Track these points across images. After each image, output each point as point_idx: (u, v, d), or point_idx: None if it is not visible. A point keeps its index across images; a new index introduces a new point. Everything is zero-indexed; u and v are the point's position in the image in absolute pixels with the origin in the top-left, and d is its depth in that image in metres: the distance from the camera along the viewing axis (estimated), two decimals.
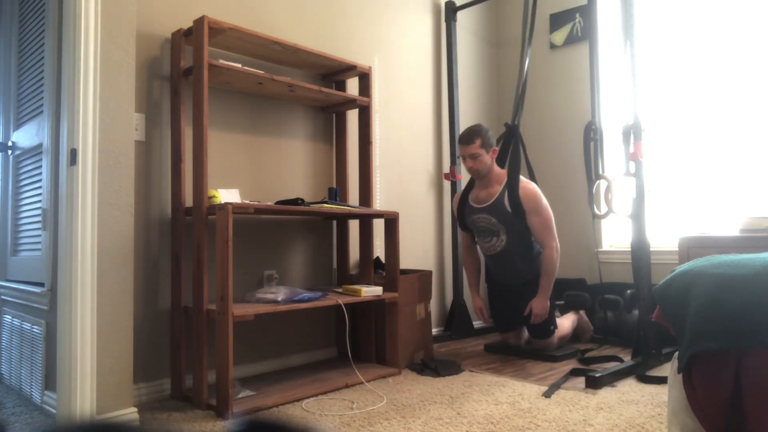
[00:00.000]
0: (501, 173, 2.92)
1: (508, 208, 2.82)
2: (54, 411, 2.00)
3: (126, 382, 1.97)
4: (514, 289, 2.99)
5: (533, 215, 2.81)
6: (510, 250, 2.90)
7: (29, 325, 2.33)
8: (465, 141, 2.83)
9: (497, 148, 2.91)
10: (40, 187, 2.28)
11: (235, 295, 2.56)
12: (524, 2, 3.12)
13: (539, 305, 2.84)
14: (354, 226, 3.07)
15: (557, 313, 3.29)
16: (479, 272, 3.20)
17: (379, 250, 3.20)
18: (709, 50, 3.27)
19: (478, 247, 3.12)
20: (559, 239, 3.82)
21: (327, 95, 2.72)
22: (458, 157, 3.02)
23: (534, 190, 2.83)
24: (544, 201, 2.85)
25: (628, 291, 3.25)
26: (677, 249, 2.80)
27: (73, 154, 1.88)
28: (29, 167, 2.40)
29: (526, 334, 3.08)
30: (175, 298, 2.33)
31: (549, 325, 2.90)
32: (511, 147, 2.97)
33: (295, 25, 2.90)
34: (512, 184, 2.80)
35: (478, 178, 2.92)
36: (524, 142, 3.09)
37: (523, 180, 2.86)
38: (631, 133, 2.72)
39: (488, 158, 2.84)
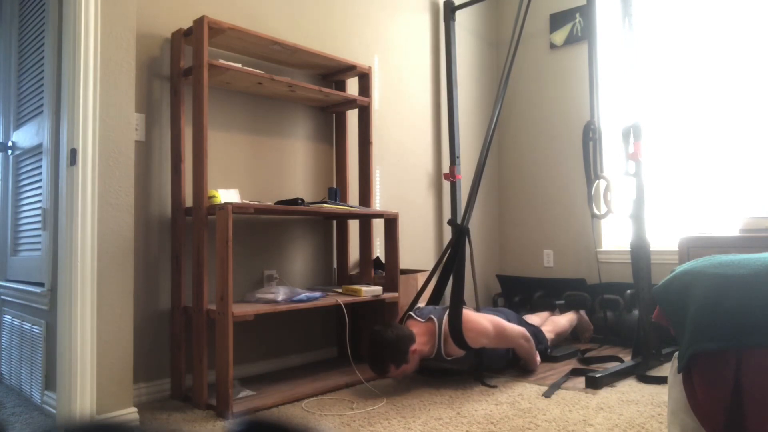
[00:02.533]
0: (427, 332, 2.47)
1: (456, 352, 2.45)
2: (54, 411, 2.00)
3: (126, 382, 1.97)
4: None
5: (488, 344, 2.49)
6: (476, 366, 2.59)
7: (29, 325, 2.33)
8: (379, 372, 2.37)
9: (415, 346, 2.39)
10: (40, 187, 2.28)
11: (235, 295, 2.56)
12: (500, 81, 3.08)
13: (531, 366, 2.69)
14: (354, 226, 3.07)
15: (557, 313, 3.29)
16: None
17: (379, 250, 3.20)
18: (708, 50, 3.27)
19: None
20: (558, 239, 3.85)
21: (327, 95, 2.72)
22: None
23: (475, 329, 2.43)
24: (486, 325, 2.47)
25: (628, 291, 3.25)
26: (677, 249, 2.80)
27: (73, 154, 1.88)
28: (29, 167, 2.40)
29: None
30: (175, 298, 2.33)
31: (544, 354, 2.84)
32: (457, 255, 2.55)
33: (295, 25, 2.90)
34: (457, 332, 2.40)
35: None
36: (471, 241, 2.64)
37: (464, 321, 2.43)
38: (631, 133, 2.72)
39: (412, 362, 2.39)
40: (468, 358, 2.50)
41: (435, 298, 2.73)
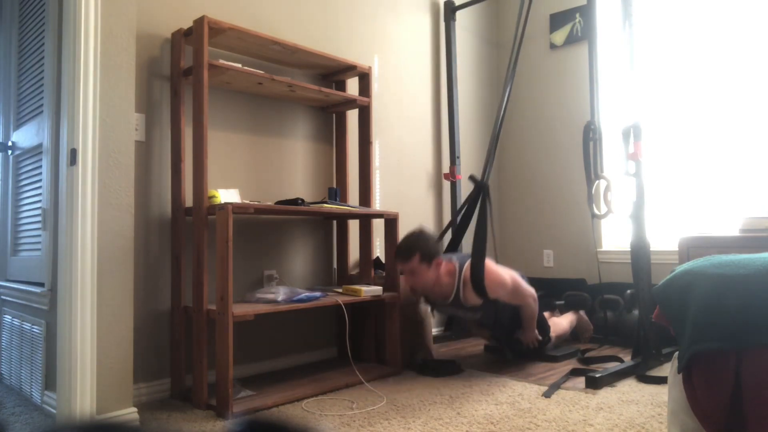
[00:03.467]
0: (448, 270, 2.59)
1: (473, 299, 2.56)
2: (54, 411, 2.00)
3: (126, 382, 1.97)
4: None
5: (503, 297, 2.58)
6: (487, 319, 2.73)
7: (29, 325, 2.33)
8: (402, 256, 2.48)
9: (441, 261, 2.54)
10: (40, 187, 2.28)
11: (235, 295, 2.56)
12: (510, 58, 3.09)
13: (527, 338, 2.77)
14: (354, 226, 3.07)
15: (557, 313, 3.29)
16: None
17: (379, 250, 3.20)
18: (708, 50, 3.27)
19: None
20: (558, 239, 3.85)
21: (327, 95, 2.72)
22: (399, 272, 2.64)
23: (495, 279, 2.52)
24: (505, 276, 2.56)
25: (628, 291, 3.25)
26: (677, 249, 2.80)
27: (73, 154, 1.88)
28: (29, 167, 2.40)
29: None
30: (175, 298, 2.33)
31: (543, 344, 2.86)
32: (477, 207, 2.64)
33: (295, 25, 2.90)
34: (478, 278, 2.48)
35: (422, 293, 2.65)
36: (491, 200, 2.75)
37: (486, 270, 2.52)
38: (631, 133, 2.72)
39: (432, 273, 2.50)
40: (482, 310, 2.59)
41: (451, 249, 2.86)
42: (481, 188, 2.68)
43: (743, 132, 3.14)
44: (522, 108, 4.08)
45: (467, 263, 2.56)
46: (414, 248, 2.47)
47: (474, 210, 2.70)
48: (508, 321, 2.75)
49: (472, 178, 2.76)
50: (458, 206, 3.62)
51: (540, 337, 2.78)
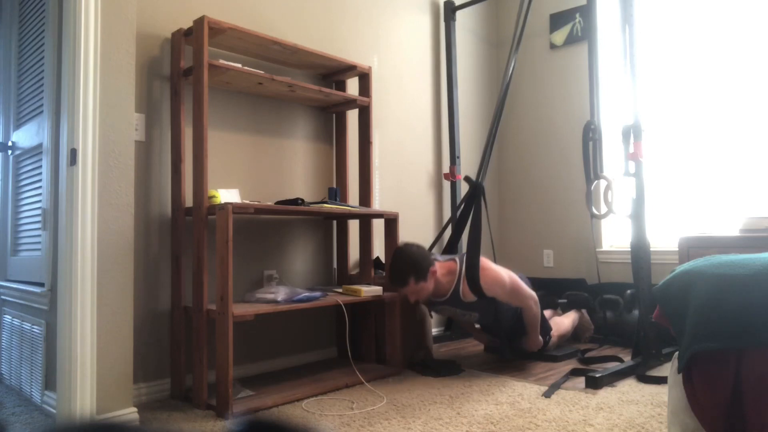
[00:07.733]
0: (446, 269, 2.65)
1: (470, 296, 2.58)
2: (54, 411, 2.00)
3: (126, 382, 1.97)
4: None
5: (501, 295, 2.59)
6: (486, 321, 2.74)
7: (29, 325, 2.33)
8: (398, 283, 2.53)
9: (435, 268, 2.58)
10: (40, 187, 2.28)
11: (235, 295, 2.56)
12: (506, 67, 3.09)
13: (531, 344, 2.76)
14: (354, 226, 3.07)
15: (558, 311, 3.29)
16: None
17: (379, 250, 3.20)
18: (709, 50, 3.27)
19: None
20: (558, 239, 3.85)
21: (327, 95, 2.72)
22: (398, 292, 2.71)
23: (492, 276, 2.56)
24: (503, 275, 2.59)
25: (628, 291, 3.25)
26: (677, 249, 2.80)
27: (73, 154, 1.88)
28: (29, 167, 2.40)
29: None
30: (175, 298, 2.33)
31: (544, 345, 2.85)
32: (473, 208, 2.71)
33: (295, 25, 2.90)
34: (472, 274, 2.52)
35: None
36: (486, 201, 2.83)
37: (481, 268, 2.56)
38: (631, 133, 2.72)
39: (430, 283, 2.56)
40: (480, 311, 2.61)
41: (449, 251, 2.91)
42: (476, 189, 2.73)
43: (743, 132, 3.14)
44: (522, 108, 4.08)
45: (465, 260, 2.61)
46: (406, 274, 2.50)
47: (470, 210, 2.75)
48: (510, 324, 2.74)
49: (467, 179, 2.78)
50: (458, 206, 3.62)
51: (541, 342, 2.77)
